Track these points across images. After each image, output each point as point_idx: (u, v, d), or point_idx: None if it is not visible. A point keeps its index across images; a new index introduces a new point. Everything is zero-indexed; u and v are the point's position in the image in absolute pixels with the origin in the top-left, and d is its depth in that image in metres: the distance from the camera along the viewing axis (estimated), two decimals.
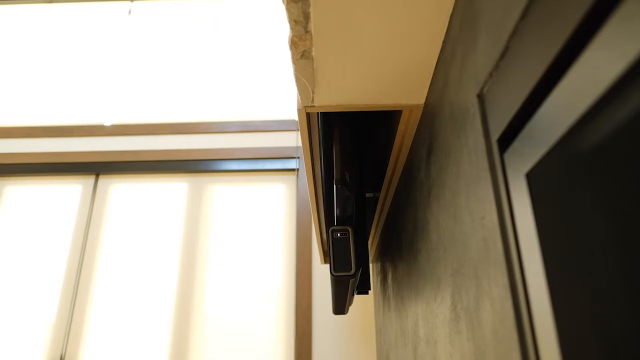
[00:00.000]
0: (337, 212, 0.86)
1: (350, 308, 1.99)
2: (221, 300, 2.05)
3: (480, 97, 0.41)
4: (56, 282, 2.11)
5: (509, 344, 0.35)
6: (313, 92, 0.65)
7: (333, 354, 1.91)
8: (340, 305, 1.02)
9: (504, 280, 0.35)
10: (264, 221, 2.14)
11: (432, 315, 0.61)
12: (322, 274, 2.01)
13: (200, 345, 2.01)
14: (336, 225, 0.87)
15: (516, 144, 0.34)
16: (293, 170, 2.22)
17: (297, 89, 0.65)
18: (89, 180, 2.28)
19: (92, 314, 2.06)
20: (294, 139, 2.25)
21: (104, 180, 2.27)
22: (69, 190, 2.26)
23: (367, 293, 1.01)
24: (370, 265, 1.57)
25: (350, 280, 0.84)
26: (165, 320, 2.02)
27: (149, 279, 2.09)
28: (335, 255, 0.84)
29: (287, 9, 0.52)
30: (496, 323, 0.37)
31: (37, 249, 2.17)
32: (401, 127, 0.73)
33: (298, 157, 2.20)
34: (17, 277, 2.13)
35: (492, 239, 0.38)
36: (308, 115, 0.72)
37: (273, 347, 2.01)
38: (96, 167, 2.29)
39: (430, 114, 0.62)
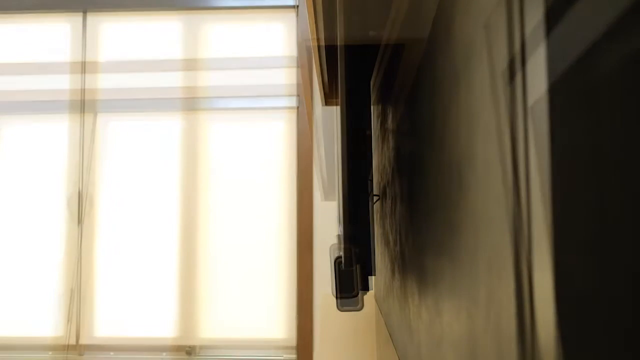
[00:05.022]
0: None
1: None
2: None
3: None
4: (62, 122, 2.12)
5: (502, 176, 0.35)
6: None
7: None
8: None
9: (505, 115, 0.34)
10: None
11: (429, 142, 0.62)
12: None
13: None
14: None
15: None
16: (291, 7, 2.08)
17: None
18: (77, 17, 2.14)
19: (102, 151, 2.11)
20: None
21: (92, 18, 2.14)
22: (57, 29, 2.14)
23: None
24: (372, 107, 1.55)
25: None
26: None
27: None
28: (341, 291, 0.79)
29: None
30: (490, 155, 0.37)
31: (38, 98, 2.14)
32: None
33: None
34: (22, 124, 2.14)
35: (499, 71, 0.35)
36: None
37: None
38: (83, 3, 2.13)
39: None
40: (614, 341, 0.21)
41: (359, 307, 0.79)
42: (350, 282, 0.80)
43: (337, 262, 0.81)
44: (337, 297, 0.80)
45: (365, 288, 0.85)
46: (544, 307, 0.28)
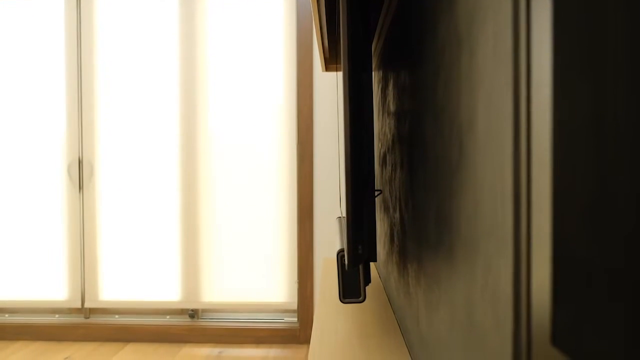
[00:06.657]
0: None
1: None
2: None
3: None
4: (59, 92, 2.10)
5: (502, 140, 0.35)
6: None
7: (333, 155, 2.01)
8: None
9: (508, 79, 0.34)
10: (264, 27, 2.03)
11: (433, 106, 0.62)
12: (323, 81, 1.99)
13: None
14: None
15: None
16: None
17: None
18: None
19: (99, 117, 2.10)
20: None
21: None
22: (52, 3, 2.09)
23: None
24: (373, 73, 1.53)
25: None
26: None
27: (150, 84, 2.08)
28: (344, 283, 0.78)
29: None
30: (492, 119, 0.37)
31: (33, 62, 2.11)
32: None
33: None
34: (18, 93, 2.12)
35: (502, 35, 0.35)
36: None
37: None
38: None
39: None
40: (609, 306, 0.21)
41: (361, 299, 0.79)
42: (355, 283, 0.80)
43: (339, 255, 0.80)
44: (341, 300, 0.80)
45: (367, 281, 0.85)
46: (541, 274, 0.28)
